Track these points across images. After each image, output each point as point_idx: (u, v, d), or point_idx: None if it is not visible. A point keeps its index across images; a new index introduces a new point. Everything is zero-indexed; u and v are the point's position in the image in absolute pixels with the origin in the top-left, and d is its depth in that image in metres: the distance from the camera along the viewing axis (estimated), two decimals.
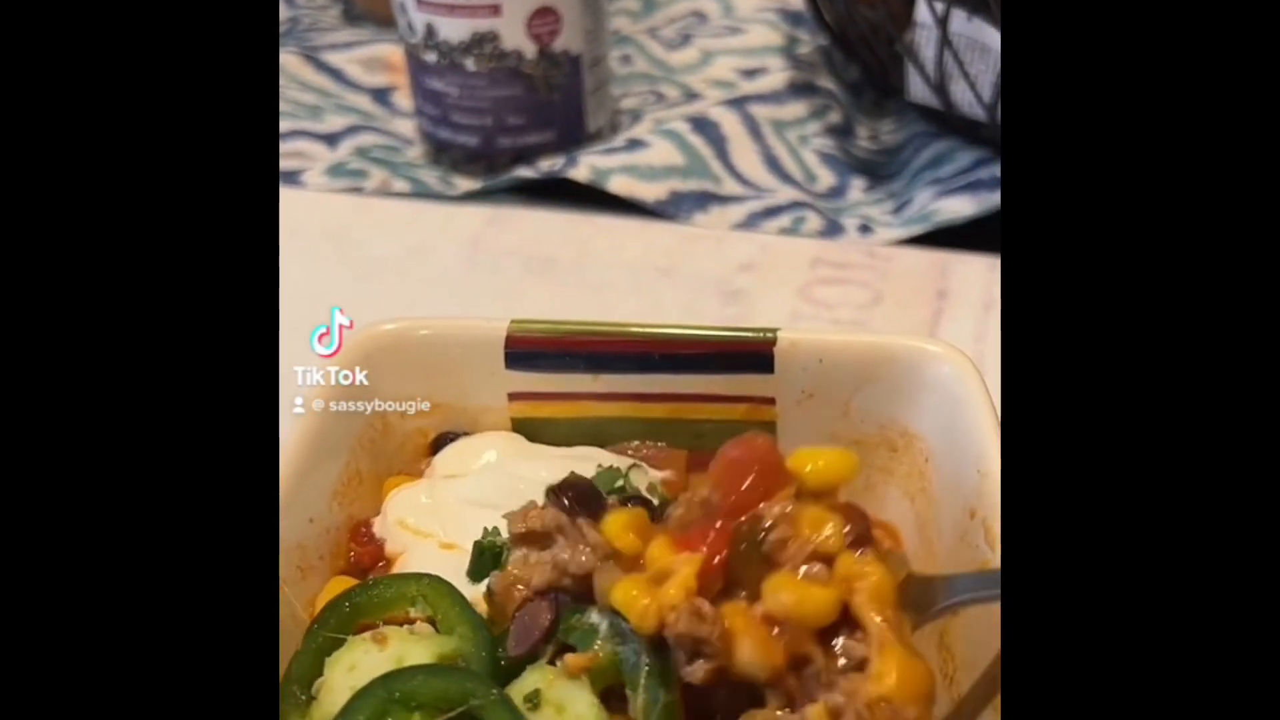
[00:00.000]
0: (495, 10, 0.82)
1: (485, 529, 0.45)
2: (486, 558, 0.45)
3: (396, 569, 0.46)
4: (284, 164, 0.90)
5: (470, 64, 0.84)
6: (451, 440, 0.53)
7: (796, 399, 0.52)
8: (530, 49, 0.84)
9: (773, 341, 0.51)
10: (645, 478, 0.51)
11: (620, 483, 0.49)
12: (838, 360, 0.51)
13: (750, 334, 0.51)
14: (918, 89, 0.85)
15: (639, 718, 0.38)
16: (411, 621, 0.42)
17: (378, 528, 0.48)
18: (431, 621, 0.42)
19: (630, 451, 0.53)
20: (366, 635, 0.41)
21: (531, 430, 0.54)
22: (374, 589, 0.43)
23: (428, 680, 0.38)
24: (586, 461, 0.50)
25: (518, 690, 0.39)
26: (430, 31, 0.84)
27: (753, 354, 0.51)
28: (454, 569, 0.44)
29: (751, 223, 0.84)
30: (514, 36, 0.83)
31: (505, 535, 0.44)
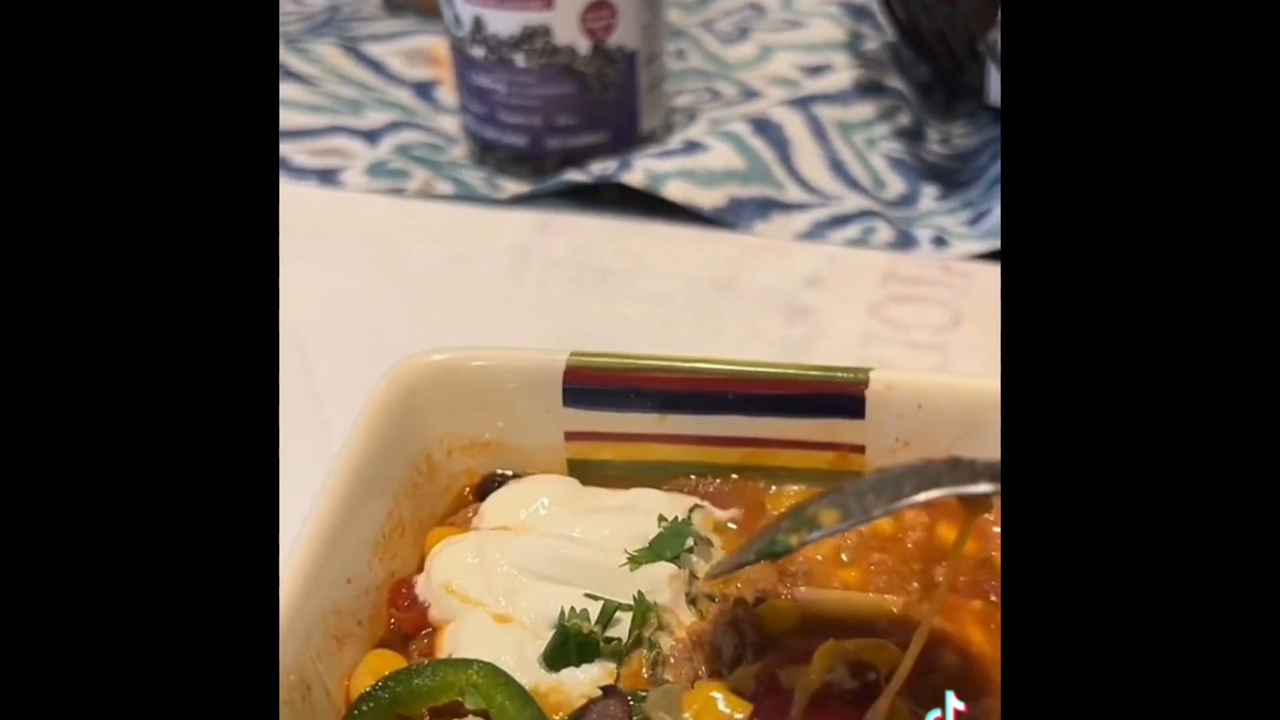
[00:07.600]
0: (548, 3, 0.77)
1: (566, 610, 0.41)
2: (571, 647, 0.40)
3: (444, 640, 0.41)
4: (322, 162, 0.86)
5: (520, 60, 0.79)
6: (499, 483, 0.48)
7: (890, 447, 0.46)
8: (584, 45, 0.79)
9: (865, 383, 0.46)
10: (710, 519, 0.46)
11: (690, 542, 0.44)
12: (938, 405, 0.45)
13: (839, 374, 0.46)
14: (999, 91, 0.79)
15: None
16: (463, 715, 0.37)
17: (420, 589, 0.43)
18: (484, 714, 0.37)
19: (689, 489, 0.48)
20: None
21: (589, 473, 0.49)
22: (416, 677, 0.38)
23: None
24: (646, 515, 0.45)
25: None
26: (478, 25, 0.79)
27: (841, 396, 0.46)
28: (512, 647, 0.40)
29: (817, 232, 0.78)
30: (567, 31, 0.78)
31: (593, 620, 0.40)
